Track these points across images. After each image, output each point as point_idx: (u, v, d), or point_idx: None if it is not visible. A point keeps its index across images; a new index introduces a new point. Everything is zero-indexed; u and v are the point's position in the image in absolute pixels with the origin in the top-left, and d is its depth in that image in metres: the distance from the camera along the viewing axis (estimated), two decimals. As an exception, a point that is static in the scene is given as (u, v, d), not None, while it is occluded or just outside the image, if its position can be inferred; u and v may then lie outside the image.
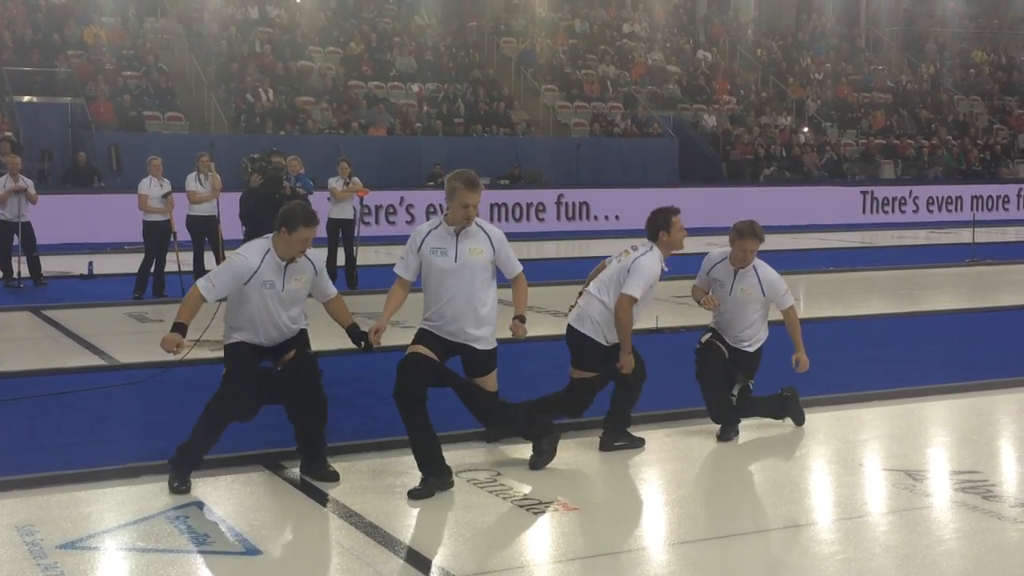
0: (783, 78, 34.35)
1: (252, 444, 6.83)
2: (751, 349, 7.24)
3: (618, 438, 6.95)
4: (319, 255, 6.44)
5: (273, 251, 6.12)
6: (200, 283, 6.14)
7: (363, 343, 6.38)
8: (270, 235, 6.20)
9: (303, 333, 6.42)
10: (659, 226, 6.99)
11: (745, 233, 7.05)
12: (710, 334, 7.32)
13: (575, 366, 6.95)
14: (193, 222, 14.22)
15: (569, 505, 5.87)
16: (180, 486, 5.99)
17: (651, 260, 6.86)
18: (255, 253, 6.15)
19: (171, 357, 6.23)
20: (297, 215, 6.08)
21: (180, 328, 6.00)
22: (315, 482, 6.21)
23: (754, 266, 7.17)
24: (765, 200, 27.01)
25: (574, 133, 29.01)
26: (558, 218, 24.83)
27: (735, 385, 7.24)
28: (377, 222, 22.77)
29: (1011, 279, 17.00)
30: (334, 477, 6.25)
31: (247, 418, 6.22)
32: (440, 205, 23.88)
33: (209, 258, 14.21)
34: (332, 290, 6.53)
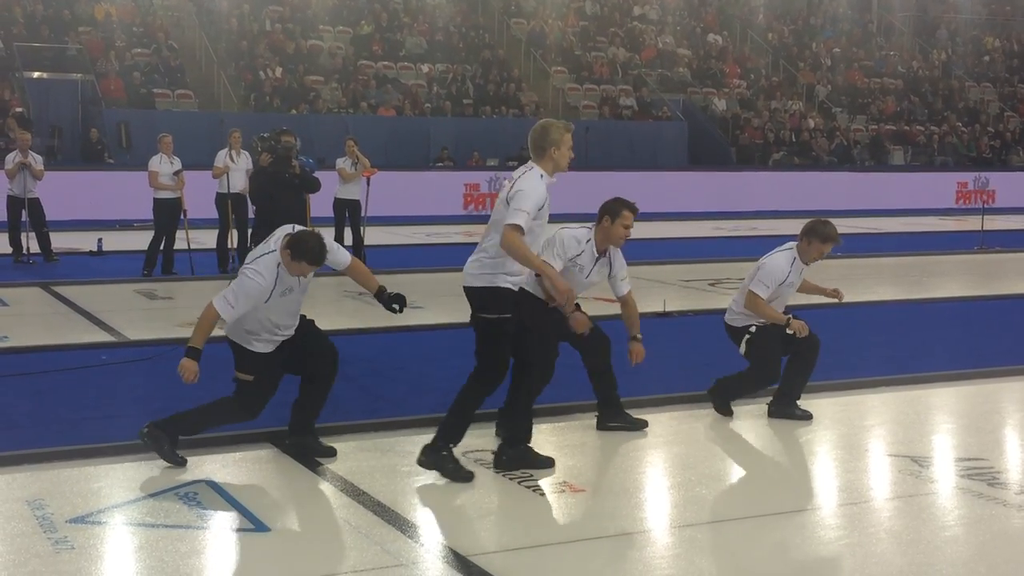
0: (793, 63, 34.22)
1: (262, 422, 6.85)
2: None
3: (615, 418, 6.98)
4: (325, 234, 6.37)
5: (283, 265, 6.04)
6: (219, 305, 5.96)
7: (396, 306, 6.28)
8: (276, 247, 6.06)
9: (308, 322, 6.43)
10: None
11: (828, 238, 7.13)
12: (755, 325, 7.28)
13: None
14: (222, 200, 14.16)
15: (575, 486, 5.90)
16: (174, 458, 6.05)
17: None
18: (268, 272, 6.02)
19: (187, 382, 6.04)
20: (305, 251, 5.96)
21: (195, 354, 5.94)
22: (318, 459, 6.27)
23: None
24: (774, 185, 27.00)
25: (583, 116, 28.93)
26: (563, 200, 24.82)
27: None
28: (385, 203, 22.77)
29: (1020, 267, 16.98)
30: (332, 452, 6.33)
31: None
32: (447, 186, 23.94)
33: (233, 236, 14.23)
34: (345, 257, 6.35)
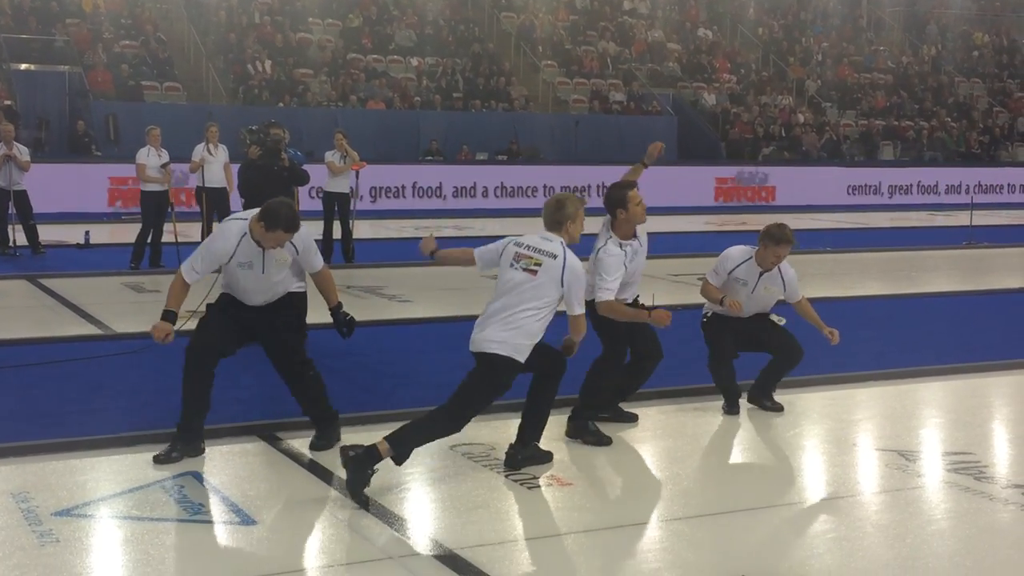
0: (784, 57, 34.24)
1: (249, 415, 6.86)
2: None
3: (607, 409, 7.02)
4: (303, 233, 6.17)
5: (249, 235, 6.02)
6: (183, 267, 6.13)
7: (344, 330, 6.34)
8: (249, 215, 6.09)
9: (292, 298, 6.31)
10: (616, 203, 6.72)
11: (781, 240, 7.07)
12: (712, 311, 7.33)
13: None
14: (199, 193, 14.15)
15: (563, 480, 5.89)
16: (161, 456, 6.00)
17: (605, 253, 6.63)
18: (232, 236, 6.06)
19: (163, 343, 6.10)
20: (280, 218, 5.92)
21: (170, 316, 6.03)
22: (315, 453, 6.25)
23: (779, 266, 7.23)
24: (772, 179, 27.03)
25: (573, 110, 28.93)
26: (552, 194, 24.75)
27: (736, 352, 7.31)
28: (374, 196, 22.75)
29: (1007, 262, 17.03)
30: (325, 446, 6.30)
31: (210, 357, 6.15)
32: (442, 182, 23.93)
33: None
34: (318, 263, 6.34)
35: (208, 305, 6.30)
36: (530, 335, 5.84)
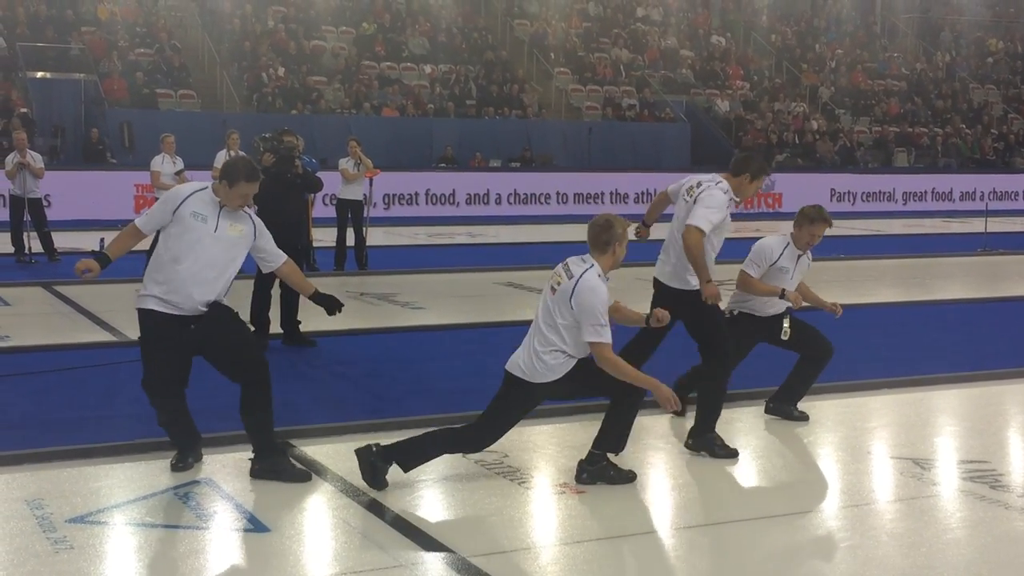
0: (797, 64, 34.19)
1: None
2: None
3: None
4: (262, 223, 6.14)
5: (210, 190, 5.92)
6: (138, 219, 6.11)
7: (339, 308, 6.26)
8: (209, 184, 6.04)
9: (224, 310, 6.00)
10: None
11: (816, 219, 7.10)
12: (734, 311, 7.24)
13: None
14: None
15: (575, 488, 5.88)
16: (177, 463, 6.02)
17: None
18: (187, 187, 6.06)
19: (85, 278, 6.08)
20: (238, 170, 5.86)
21: (101, 258, 5.99)
22: (329, 460, 6.24)
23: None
24: (778, 186, 26.97)
25: (586, 117, 28.94)
26: (566, 201, 24.69)
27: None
28: (387, 203, 22.79)
29: (1022, 269, 16.94)
30: (300, 477, 5.95)
31: (173, 391, 6.00)
32: (455, 189, 23.96)
33: None
34: (280, 254, 6.16)
35: (140, 339, 6.05)
36: (552, 352, 5.71)
